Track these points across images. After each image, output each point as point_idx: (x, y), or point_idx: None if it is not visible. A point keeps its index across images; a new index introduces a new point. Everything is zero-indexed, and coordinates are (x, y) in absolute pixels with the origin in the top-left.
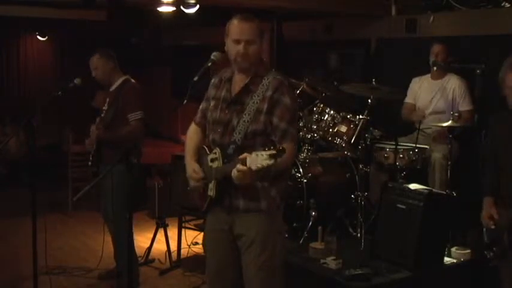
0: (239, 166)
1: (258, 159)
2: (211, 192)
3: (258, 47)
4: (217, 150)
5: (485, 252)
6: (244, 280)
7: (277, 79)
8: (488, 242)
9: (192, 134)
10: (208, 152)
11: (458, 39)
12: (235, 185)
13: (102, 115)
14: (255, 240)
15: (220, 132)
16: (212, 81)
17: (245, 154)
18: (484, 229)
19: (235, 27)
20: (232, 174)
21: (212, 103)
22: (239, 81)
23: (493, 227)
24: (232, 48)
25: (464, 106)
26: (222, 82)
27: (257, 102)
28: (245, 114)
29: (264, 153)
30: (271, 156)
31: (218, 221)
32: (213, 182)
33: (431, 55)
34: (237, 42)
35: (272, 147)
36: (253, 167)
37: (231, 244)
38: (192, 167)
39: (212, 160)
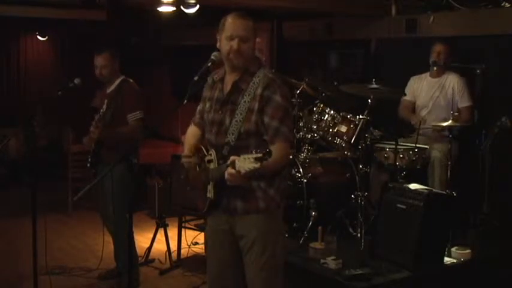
0: (229, 169)
1: (246, 162)
2: (210, 194)
3: (251, 46)
4: (212, 151)
5: None
6: (247, 280)
7: (267, 76)
8: None
9: (190, 134)
10: (205, 154)
11: (458, 39)
12: (233, 186)
13: (100, 115)
14: (255, 240)
15: (214, 133)
16: (207, 81)
17: (233, 157)
18: None
19: (230, 23)
20: (225, 176)
21: (207, 104)
22: (230, 80)
23: None
24: (225, 45)
25: (463, 102)
26: (215, 82)
27: (248, 101)
28: (237, 114)
29: (250, 156)
30: (257, 160)
31: (219, 222)
32: (211, 183)
33: (432, 54)
34: (231, 38)
35: (259, 151)
36: (242, 171)
37: (232, 245)
38: (187, 149)
39: (209, 162)
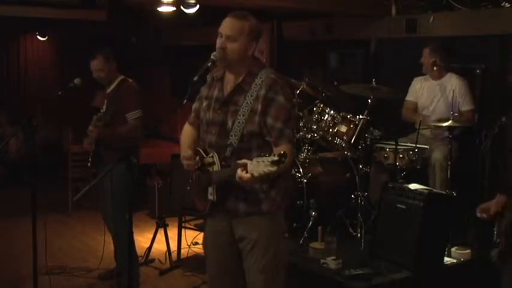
0: (241, 173)
1: (260, 165)
2: (211, 196)
3: (241, 46)
4: (213, 154)
5: (491, 252)
6: (247, 282)
7: (270, 77)
8: (496, 239)
9: (186, 133)
10: (204, 156)
11: (458, 39)
12: (236, 188)
13: (99, 115)
14: (257, 242)
15: (215, 134)
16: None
17: (244, 160)
18: (495, 229)
19: (223, 21)
20: (236, 179)
21: (205, 103)
22: (230, 80)
23: (484, 215)
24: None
25: (465, 106)
26: (213, 81)
27: (251, 102)
28: (239, 115)
29: (265, 159)
30: (273, 163)
31: (219, 223)
32: (212, 186)
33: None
34: (220, 35)
35: (274, 154)
36: (256, 174)
37: (232, 247)
38: (184, 150)
39: (210, 164)
